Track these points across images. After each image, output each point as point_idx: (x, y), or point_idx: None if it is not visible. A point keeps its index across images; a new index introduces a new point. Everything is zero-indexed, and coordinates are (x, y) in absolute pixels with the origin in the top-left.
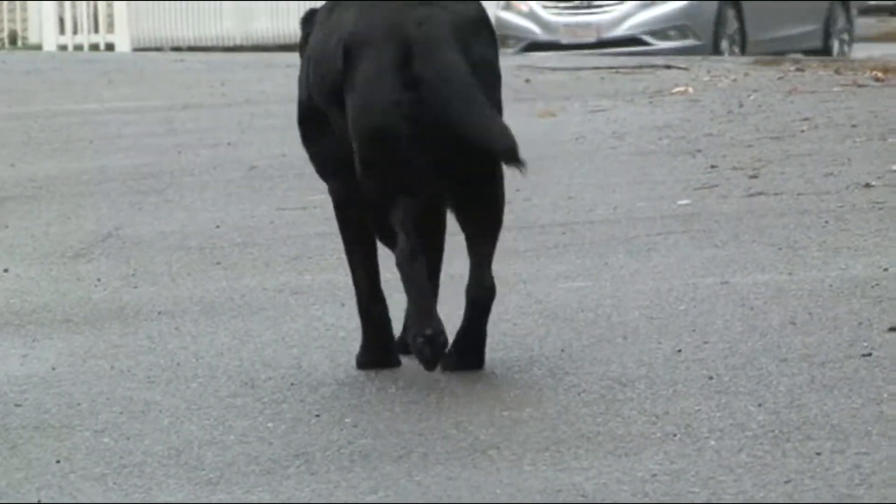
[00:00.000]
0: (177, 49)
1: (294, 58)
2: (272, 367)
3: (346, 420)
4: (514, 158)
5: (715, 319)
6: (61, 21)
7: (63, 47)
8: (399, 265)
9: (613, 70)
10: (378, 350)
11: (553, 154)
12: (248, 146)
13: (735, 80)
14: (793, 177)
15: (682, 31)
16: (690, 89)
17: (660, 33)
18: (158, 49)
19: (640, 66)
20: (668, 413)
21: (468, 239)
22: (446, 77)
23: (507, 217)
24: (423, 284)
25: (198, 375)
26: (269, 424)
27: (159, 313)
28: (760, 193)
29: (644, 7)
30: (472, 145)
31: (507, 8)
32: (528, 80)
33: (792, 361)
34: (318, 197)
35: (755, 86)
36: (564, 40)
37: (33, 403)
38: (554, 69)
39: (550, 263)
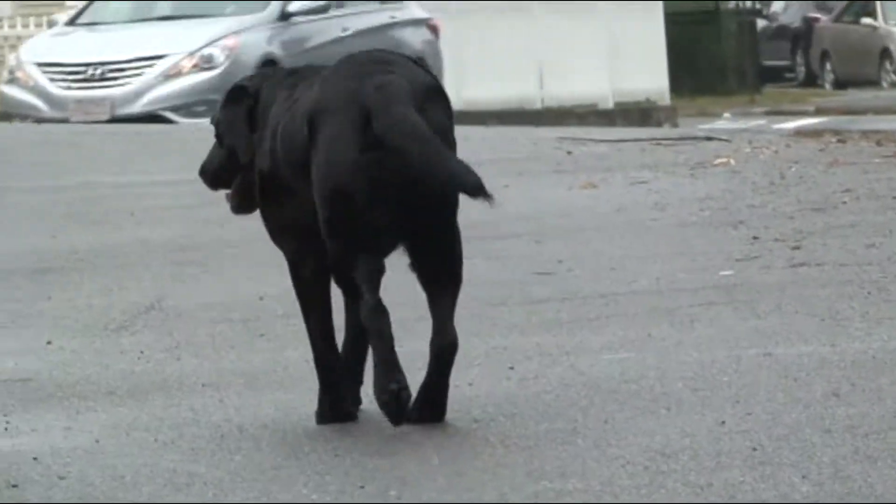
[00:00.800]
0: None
1: None
2: (315, 439)
3: (391, 493)
4: (481, 193)
5: (758, 390)
6: None
7: None
8: (365, 320)
9: (655, 142)
10: (336, 403)
11: (594, 225)
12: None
13: (776, 152)
14: (835, 248)
15: (213, 107)
16: (732, 161)
17: (185, 109)
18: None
19: (682, 138)
20: (711, 485)
21: (429, 294)
22: (404, 129)
23: (550, 289)
24: (388, 339)
25: (241, 448)
26: (314, 496)
27: (203, 385)
28: (802, 264)
29: (166, 79)
30: (434, 193)
31: (12, 81)
32: (569, 153)
33: (836, 433)
34: None
35: (796, 157)
36: (74, 118)
37: (77, 476)
38: (596, 141)
39: (593, 335)
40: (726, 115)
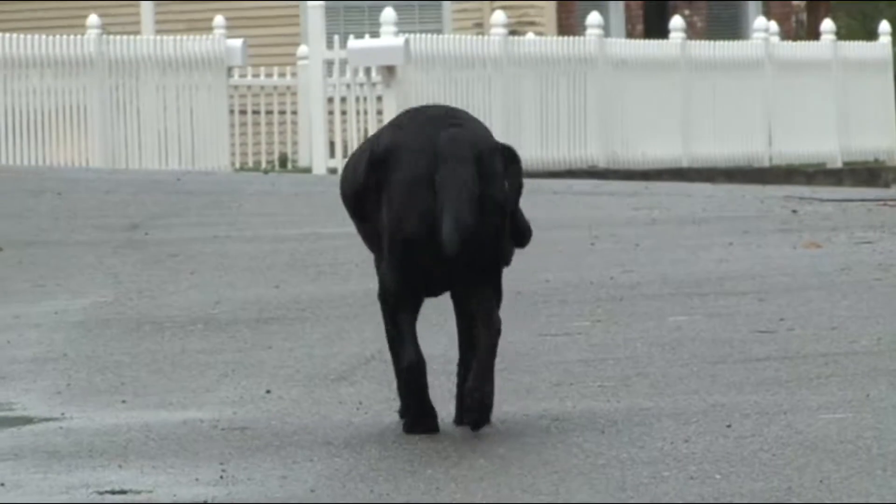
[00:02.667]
0: None
1: (562, 184)
2: (531, 493)
3: None
4: (452, 250)
5: None
6: (331, 144)
7: (332, 170)
8: (403, 360)
9: (882, 202)
10: (420, 413)
11: (817, 285)
12: (513, 271)
13: None
14: None
15: None
16: None
17: None
18: None
19: None
20: None
21: (467, 339)
22: (450, 181)
23: (770, 347)
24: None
25: (456, 501)
26: None
27: (418, 437)
28: None
29: None
30: (478, 248)
31: None
32: (794, 211)
33: None
34: (582, 323)
35: None
36: None
37: None
38: (822, 200)
39: (811, 394)
40: None
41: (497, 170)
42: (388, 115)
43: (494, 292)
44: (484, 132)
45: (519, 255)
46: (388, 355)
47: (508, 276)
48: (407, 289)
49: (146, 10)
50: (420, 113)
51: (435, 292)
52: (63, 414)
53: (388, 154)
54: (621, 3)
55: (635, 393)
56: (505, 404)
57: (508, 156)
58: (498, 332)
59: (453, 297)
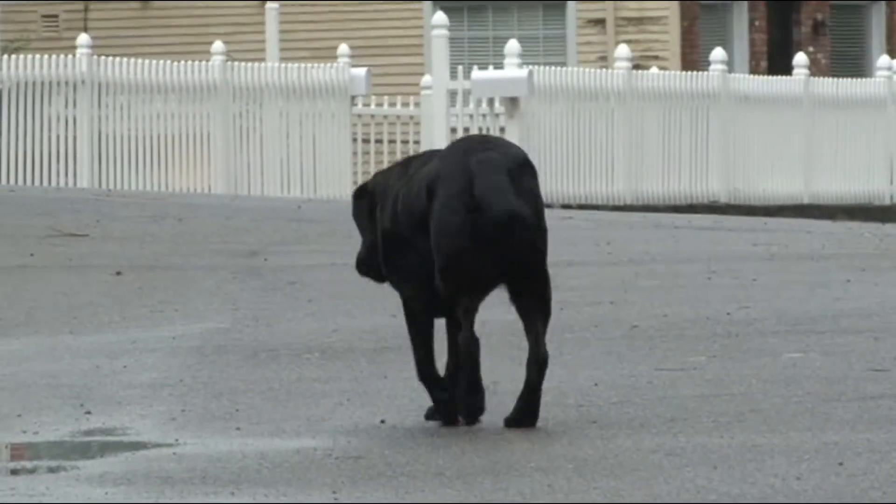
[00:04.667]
0: (566, 206)
1: (682, 218)
2: None
3: None
4: (510, 218)
5: None
6: None
7: None
8: (462, 345)
9: None
10: (450, 407)
11: None
12: (630, 305)
13: None
14: None
15: None
16: None
17: None
18: (548, 206)
19: None
20: None
21: (525, 323)
22: (494, 188)
23: (885, 385)
24: (476, 363)
25: None
26: None
27: (532, 468)
28: None
29: None
30: (524, 244)
31: None
32: None
33: None
34: (698, 358)
35: None
36: None
37: None
38: None
39: None
40: None
41: (527, 175)
42: None
43: (545, 276)
44: (515, 150)
45: (637, 289)
46: (503, 386)
47: (627, 309)
48: (458, 291)
49: (271, 38)
50: (459, 143)
51: (486, 290)
52: (177, 440)
53: (432, 182)
54: (745, 38)
55: (749, 429)
56: (619, 438)
57: (528, 163)
58: (545, 362)
59: (509, 289)
